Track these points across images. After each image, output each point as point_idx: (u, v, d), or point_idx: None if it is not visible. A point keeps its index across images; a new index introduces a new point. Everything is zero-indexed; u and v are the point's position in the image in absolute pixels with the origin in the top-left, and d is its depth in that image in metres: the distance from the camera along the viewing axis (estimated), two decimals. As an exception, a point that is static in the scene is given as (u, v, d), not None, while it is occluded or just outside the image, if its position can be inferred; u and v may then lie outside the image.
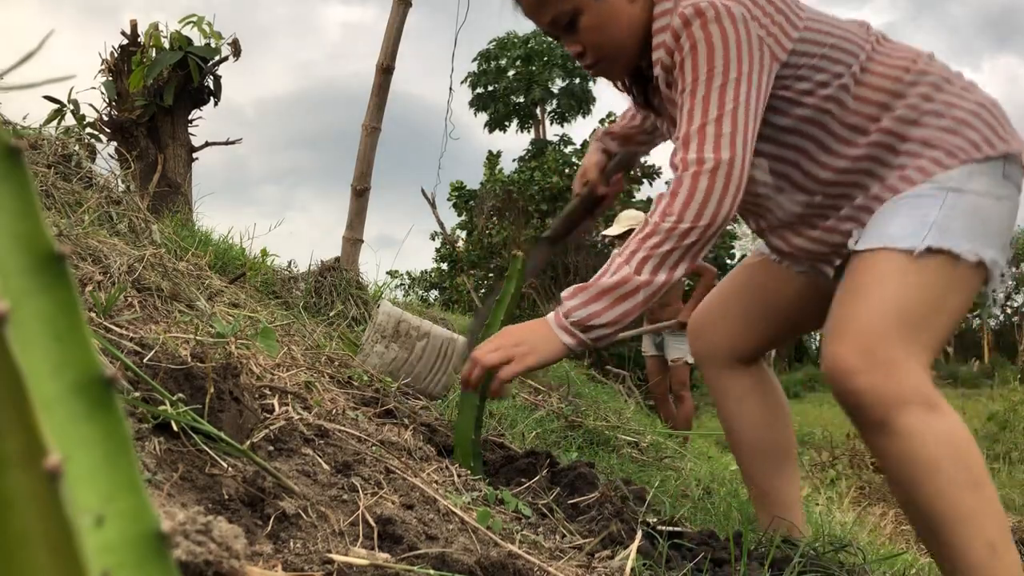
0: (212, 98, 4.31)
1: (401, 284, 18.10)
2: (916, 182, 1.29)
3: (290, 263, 3.27)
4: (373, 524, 0.93)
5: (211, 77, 4.25)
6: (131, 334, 1.23)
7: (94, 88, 4.13)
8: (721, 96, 1.27)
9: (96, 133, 4.03)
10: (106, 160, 3.15)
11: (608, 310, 1.31)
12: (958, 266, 1.23)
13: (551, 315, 1.36)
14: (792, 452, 1.67)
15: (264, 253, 3.18)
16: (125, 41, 4.22)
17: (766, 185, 1.42)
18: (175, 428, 0.90)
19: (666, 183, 1.38)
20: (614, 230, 5.82)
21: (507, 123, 20.40)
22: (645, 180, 15.19)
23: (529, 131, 20.41)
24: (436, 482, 1.25)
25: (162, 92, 4.09)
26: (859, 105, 1.33)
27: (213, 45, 4.15)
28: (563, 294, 1.36)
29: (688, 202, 1.28)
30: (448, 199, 16.28)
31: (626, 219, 5.73)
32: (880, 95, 1.33)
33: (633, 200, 14.62)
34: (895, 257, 1.24)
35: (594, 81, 19.61)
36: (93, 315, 1.25)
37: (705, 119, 1.28)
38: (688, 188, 1.28)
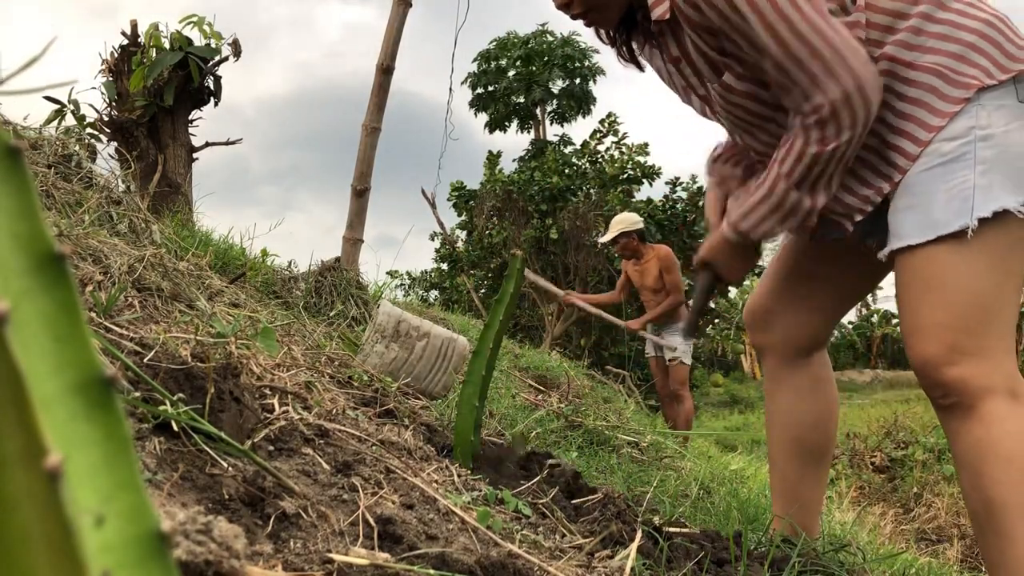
0: (212, 98, 4.31)
1: (401, 284, 18.12)
2: (933, 127, 1.23)
3: (290, 263, 3.28)
4: (373, 524, 0.93)
5: (211, 77, 4.26)
6: (131, 334, 1.23)
7: (94, 88, 4.14)
8: (795, 32, 1.20)
9: (96, 133, 4.03)
10: (106, 160, 3.16)
11: (775, 227, 1.37)
12: (1013, 224, 1.19)
13: (723, 242, 1.45)
14: (829, 457, 1.64)
15: (264, 253, 3.19)
16: (125, 41, 4.22)
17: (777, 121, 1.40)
18: (175, 428, 0.90)
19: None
20: (606, 237, 5.84)
21: (507, 123, 20.40)
22: (645, 180, 15.19)
23: (529, 131, 20.41)
24: (436, 482, 1.25)
25: (162, 92, 4.09)
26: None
27: (213, 45, 4.16)
28: (731, 218, 1.42)
29: (837, 131, 1.24)
30: (448, 199, 16.28)
31: (617, 223, 5.75)
32: (880, 16, 1.26)
33: (633, 200, 14.62)
34: (952, 246, 1.21)
35: (594, 81, 19.64)
36: (93, 315, 1.25)
37: (800, 58, 1.21)
38: (833, 122, 1.23)
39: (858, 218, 1.38)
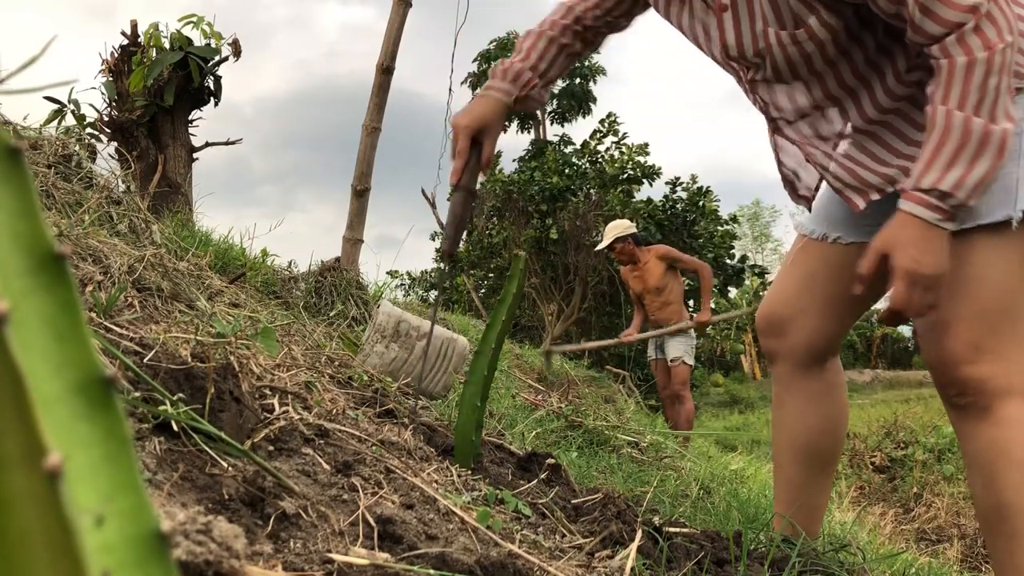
0: (212, 98, 4.31)
1: (401, 284, 18.12)
2: None
3: (290, 263, 3.28)
4: (373, 524, 0.93)
5: (211, 77, 4.26)
6: (131, 334, 1.23)
7: (94, 88, 4.13)
8: None
9: (96, 133, 4.03)
10: (106, 160, 3.16)
11: (971, 170, 1.11)
12: None
13: (918, 216, 1.12)
14: (836, 461, 1.61)
15: (264, 253, 3.19)
16: (125, 41, 4.22)
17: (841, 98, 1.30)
18: (175, 428, 0.90)
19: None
20: (602, 245, 5.87)
21: (507, 123, 20.39)
22: (645, 180, 15.18)
23: (529, 131, 20.41)
24: (436, 482, 1.25)
25: (162, 92, 4.09)
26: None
27: (213, 45, 4.16)
28: (923, 179, 1.13)
29: (999, 31, 1.10)
30: (448, 199, 16.27)
31: (611, 230, 5.78)
32: None
33: (633, 200, 14.62)
34: (990, 237, 1.16)
35: (594, 81, 19.63)
36: (93, 315, 1.25)
37: None
38: (990, 22, 1.09)
39: (875, 196, 1.31)
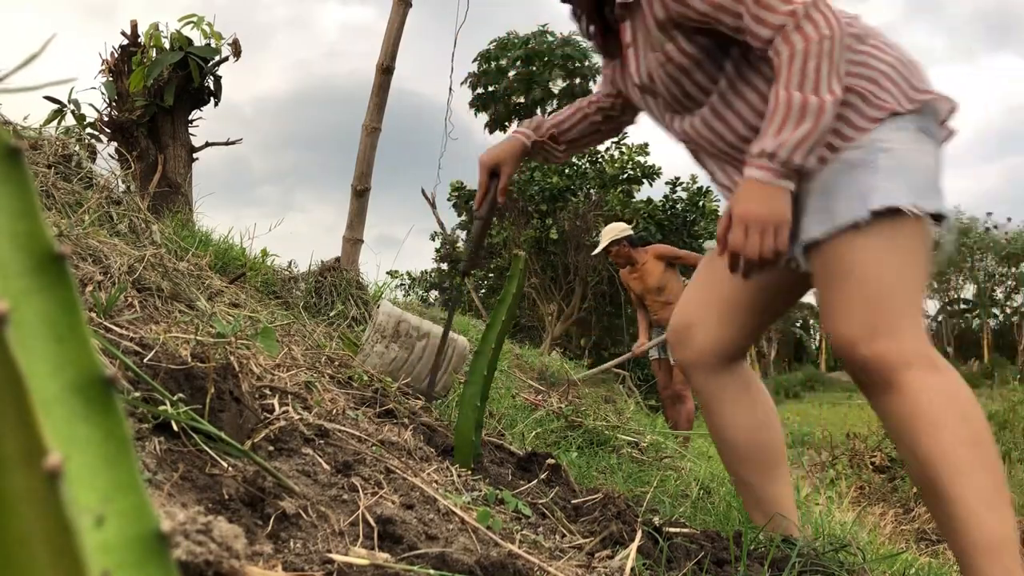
0: (212, 98, 4.31)
1: (401, 284, 18.11)
2: (849, 138, 1.37)
3: (290, 263, 3.28)
4: (373, 524, 0.93)
5: (211, 77, 4.25)
6: (131, 334, 1.23)
7: (94, 88, 4.13)
8: None
9: (96, 133, 4.03)
10: (106, 160, 3.16)
11: (793, 132, 1.31)
12: (907, 222, 1.32)
13: (753, 177, 1.33)
14: (784, 453, 1.67)
15: (264, 253, 3.19)
16: (125, 41, 4.22)
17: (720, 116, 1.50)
18: (175, 428, 0.90)
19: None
20: (598, 249, 5.87)
21: (507, 123, 20.38)
22: (645, 180, 15.18)
23: (529, 131, 20.37)
24: (436, 482, 1.25)
25: (162, 92, 4.09)
26: None
27: (213, 45, 4.15)
28: (755, 147, 1.34)
29: (816, 27, 1.31)
30: (448, 199, 16.26)
31: (606, 234, 5.79)
32: None
33: (633, 200, 14.61)
34: (856, 237, 1.33)
35: (594, 81, 19.62)
36: (93, 315, 1.25)
37: None
38: (809, 21, 1.31)
39: None
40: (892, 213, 1.31)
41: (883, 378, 1.30)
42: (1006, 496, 1.25)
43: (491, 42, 19.71)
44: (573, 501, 1.42)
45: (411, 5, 3.67)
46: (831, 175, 1.37)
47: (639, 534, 1.14)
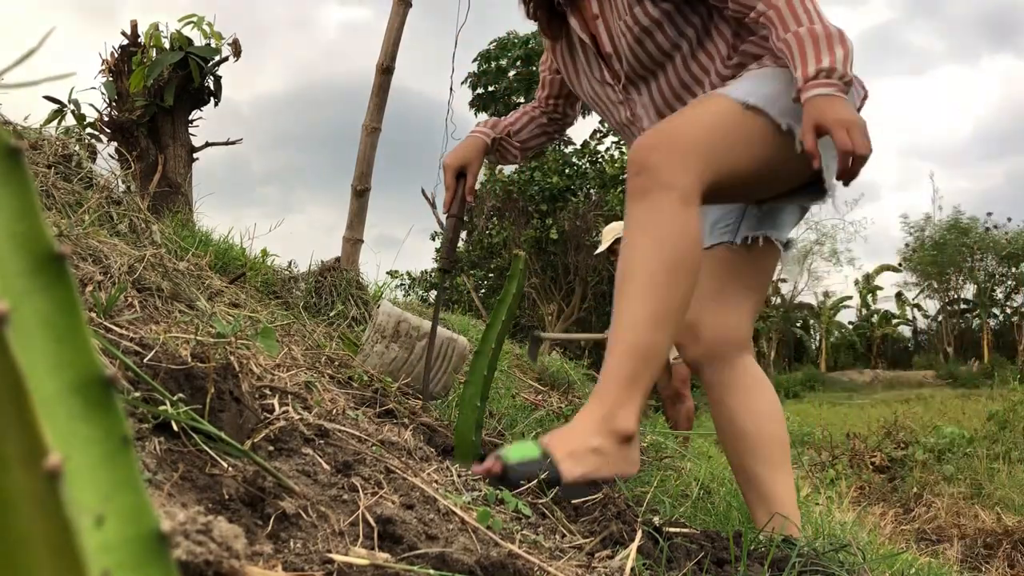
0: (212, 98, 4.31)
1: (401, 284, 18.13)
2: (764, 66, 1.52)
3: (290, 263, 3.28)
4: (373, 524, 0.93)
5: (211, 77, 4.26)
6: (131, 334, 1.23)
7: (94, 88, 4.13)
8: None
9: (96, 133, 4.03)
10: (106, 160, 3.16)
11: (834, 52, 1.39)
12: (770, 128, 1.44)
13: (821, 94, 1.37)
14: (788, 451, 1.67)
15: (264, 253, 3.19)
16: (125, 41, 4.22)
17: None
18: (175, 428, 0.90)
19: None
20: (601, 248, 5.86)
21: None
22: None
23: (529, 131, 20.39)
24: (436, 482, 1.25)
25: (162, 92, 4.09)
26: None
27: (213, 45, 4.16)
28: (809, 70, 1.39)
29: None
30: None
31: (609, 233, 5.77)
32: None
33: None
34: (726, 99, 1.45)
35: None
36: (93, 315, 1.25)
37: None
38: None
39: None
40: (764, 115, 1.43)
41: (645, 185, 1.38)
42: (672, 319, 1.38)
43: (491, 42, 19.72)
44: (573, 501, 1.42)
45: (411, 5, 3.67)
46: (746, 73, 1.55)
47: (639, 534, 1.14)
